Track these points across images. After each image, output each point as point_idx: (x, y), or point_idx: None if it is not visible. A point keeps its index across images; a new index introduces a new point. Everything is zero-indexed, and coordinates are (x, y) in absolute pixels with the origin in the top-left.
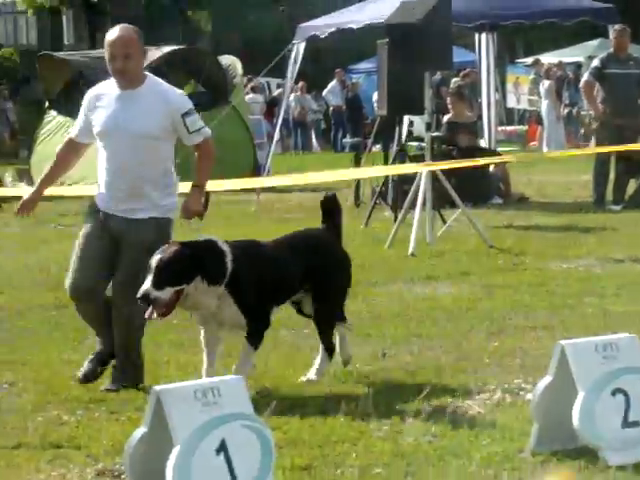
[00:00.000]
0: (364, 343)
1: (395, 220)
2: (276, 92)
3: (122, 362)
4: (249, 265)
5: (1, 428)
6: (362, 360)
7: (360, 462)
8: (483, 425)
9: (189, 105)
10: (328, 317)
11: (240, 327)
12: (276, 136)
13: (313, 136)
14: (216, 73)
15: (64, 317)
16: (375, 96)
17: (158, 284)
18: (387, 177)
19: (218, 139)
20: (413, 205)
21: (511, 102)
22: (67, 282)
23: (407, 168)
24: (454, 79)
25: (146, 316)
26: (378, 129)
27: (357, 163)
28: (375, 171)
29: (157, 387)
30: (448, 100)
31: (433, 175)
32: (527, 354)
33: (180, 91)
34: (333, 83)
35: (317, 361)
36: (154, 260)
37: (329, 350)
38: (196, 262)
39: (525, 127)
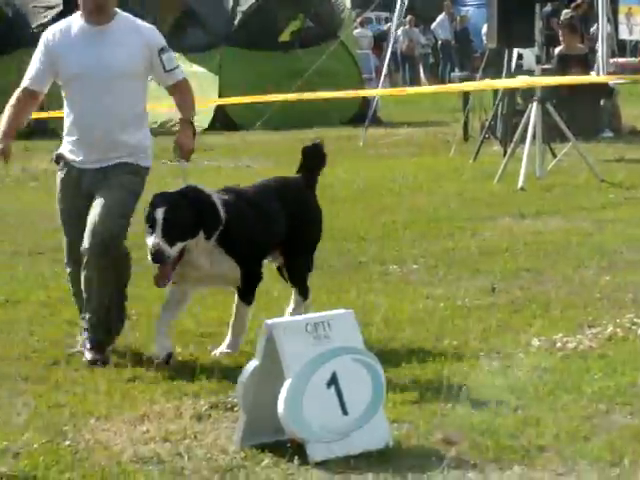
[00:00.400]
0: (473, 278)
1: (504, 154)
2: (384, 26)
3: (109, 321)
4: (240, 215)
5: (116, 361)
6: (471, 295)
7: (470, 397)
8: (594, 359)
9: (164, 42)
10: (304, 268)
11: (232, 283)
12: (384, 70)
13: (421, 70)
14: (325, 7)
15: None
16: (484, 29)
17: (170, 239)
18: (496, 111)
19: (326, 74)
20: (523, 139)
21: (623, 33)
22: (65, 250)
23: (519, 83)
24: (565, 10)
25: (160, 279)
26: (487, 62)
27: (465, 97)
28: (487, 85)
29: (269, 321)
30: (559, 32)
31: (543, 108)
32: (639, 289)
33: (152, 26)
34: (442, 16)
35: (289, 309)
36: (159, 212)
37: (305, 294)
38: (199, 212)
39: (637, 59)
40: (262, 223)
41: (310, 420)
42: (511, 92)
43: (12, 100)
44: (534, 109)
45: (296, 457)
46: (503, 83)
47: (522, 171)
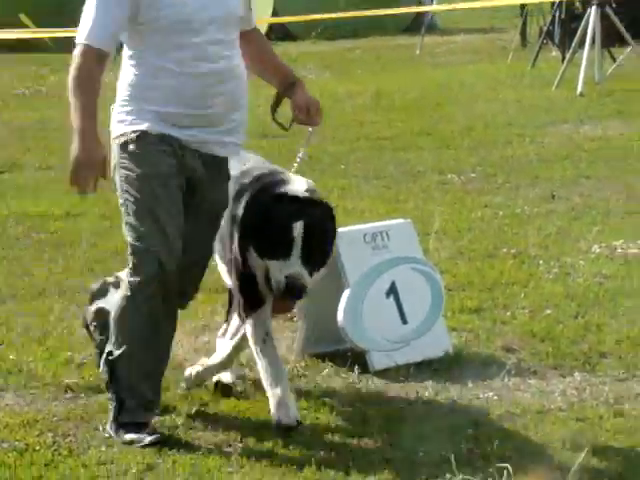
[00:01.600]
0: (532, 186)
1: (563, 60)
2: None
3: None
4: None
5: None
6: (530, 203)
7: (530, 304)
8: None
9: None
10: None
11: None
12: None
13: None
14: None
15: None
16: None
17: (311, 267)
18: (554, 16)
19: None
20: (581, 44)
21: None
22: (149, 256)
23: None
24: None
25: (284, 310)
26: None
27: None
28: None
29: None
30: None
31: (602, 12)
32: None
33: None
34: None
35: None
36: (298, 228)
37: None
38: (334, 227)
39: None
40: None
41: (370, 329)
42: None
43: (77, 72)
44: (593, 13)
45: (356, 366)
46: None
47: (581, 76)
